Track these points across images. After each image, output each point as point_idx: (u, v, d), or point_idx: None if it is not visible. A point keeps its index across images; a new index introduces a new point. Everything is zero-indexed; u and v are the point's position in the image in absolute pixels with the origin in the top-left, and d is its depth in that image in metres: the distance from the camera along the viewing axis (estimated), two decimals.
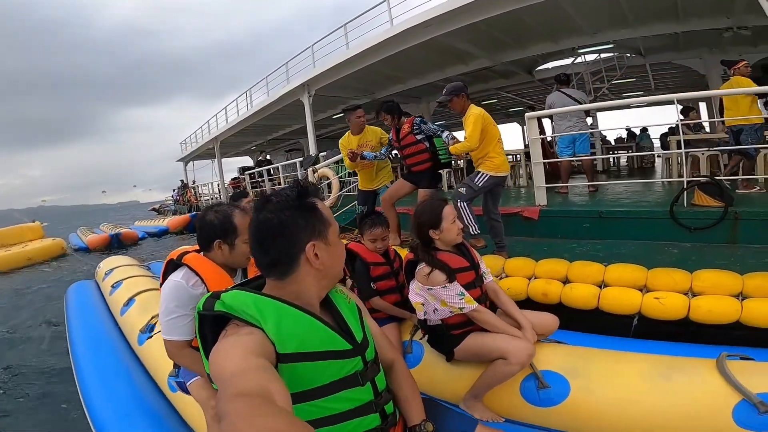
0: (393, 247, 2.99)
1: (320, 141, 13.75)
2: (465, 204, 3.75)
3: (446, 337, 2.21)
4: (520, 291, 3.28)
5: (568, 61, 11.58)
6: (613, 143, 13.34)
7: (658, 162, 11.45)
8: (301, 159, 9.93)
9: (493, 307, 2.31)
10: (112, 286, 4.42)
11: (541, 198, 5.02)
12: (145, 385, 2.74)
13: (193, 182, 24.47)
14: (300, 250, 1.11)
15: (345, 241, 3.50)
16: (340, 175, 8.17)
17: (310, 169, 7.61)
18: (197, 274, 1.79)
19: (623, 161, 12.30)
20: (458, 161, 7.85)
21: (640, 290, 2.92)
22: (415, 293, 2.22)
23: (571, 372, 1.98)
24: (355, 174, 4.17)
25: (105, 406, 2.55)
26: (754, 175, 5.09)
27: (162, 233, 15.27)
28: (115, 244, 13.03)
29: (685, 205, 4.16)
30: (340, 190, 7.79)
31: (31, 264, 11.37)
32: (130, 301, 3.81)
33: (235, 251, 1.85)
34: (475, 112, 3.75)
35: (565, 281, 3.23)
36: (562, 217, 4.79)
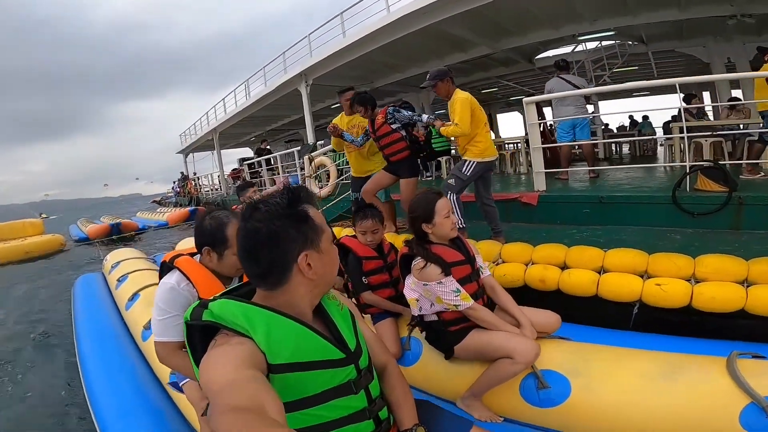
0: (389, 236, 2.92)
1: (319, 131, 13.68)
2: (454, 197, 3.68)
3: (444, 334, 2.16)
4: (517, 277, 3.20)
5: (568, 48, 11.45)
6: (615, 131, 13.23)
7: (660, 151, 11.36)
8: (299, 148, 9.84)
9: (492, 303, 2.26)
10: (118, 280, 4.41)
11: (540, 183, 4.94)
12: (148, 381, 2.72)
13: (194, 174, 24.51)
14: (292, 260, 1.06)
15: (345, 232, 3.45)
16: (337, 162, 8.08)
17: (306, 157, 7.51)
18: (188, 278, 1.77)
19: (625, 149, 12.19)
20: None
21: (641, 276, 2.82)
22: (410, 289, 2.17)
23: (573, 371, 1.93)
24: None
25: (108, 402, 2.54)
26: (759, 160, 4.99)
27: (161, 227, 15.31)
28: (116, 234, 13.06)
29: (688, 190, 4.07)
30: (338, 178, 7.72)
31: (29, 258, 11.46)
32: (135, 296, 3.79)
33: (223, 261, 1.79)
34: (461, 96, 3.67)
35: (564, 267, 3.14)
36: (562, 203, 4.71)
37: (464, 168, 3.75)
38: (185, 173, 24.67)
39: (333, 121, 4.57)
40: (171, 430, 2.19)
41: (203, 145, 22.27)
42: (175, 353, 1.74)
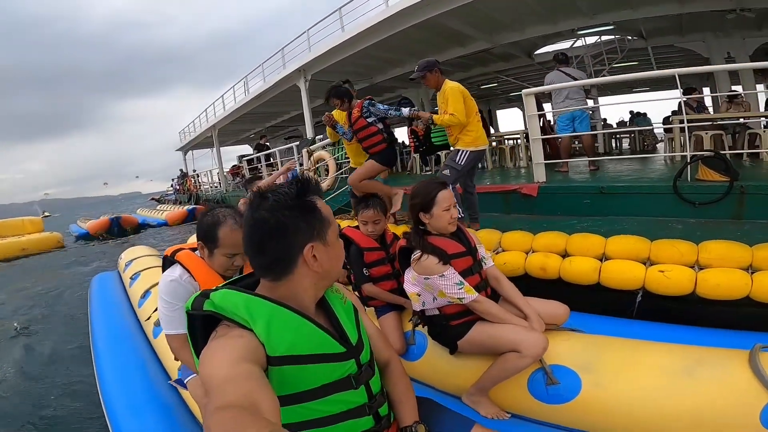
0: (390, 227, 2.89)
1: (318, 127, 13.65)
2: (452, 187, 3.67)
3: (447, 328, 2.10)
4: (517, 266, 3.18)
5: (568, 43, 11.41)
6: (615, 126, 13.25)
7: (660, 146, 11.35)
8: (297, 143, 9.81)
9: (496, 295, 2.20)
10: (131, 278, 4.44)
11: (540, 175, 4.90)
12: (158, 378, 2.72)
13: (194, 171, 24.51)
14: (298, 252, 1.06)
15: (345, 224, 3.43)
16: (336, 156, 8.07)
17: (305, 151, 7.49)
18: (189, 271, 1.78)
19: (625, 144, 12.20)
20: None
21: (644, 263, 2.80)
22: (411, 283, 2.11)
23: (583, 366, 1.87)
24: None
25: (119, 397, 2.56)
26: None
27: (160, 226, 15.32)
28: (116, 229, 13.08)
29: (689, 179, 4.04)
30: (337, 171, 7.70)
31: (26, 255, 11.47)
32: (146, 293, 3.80)
33: (212, 260, 1.79)
34: (452, 85, 3.68)
35: (565, 255, 3.12)
36: (562, 194, 4.68)
37: (458, 158, 3.75)
38: (185, 170, 24.66)
39: (333, 113, 4.57)
40: (179, 425, 2.19)
41: (203, 142, 22.30)
42: (184, 346, 1.74)
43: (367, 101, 3.94)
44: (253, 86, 14.90)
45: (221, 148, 19.97)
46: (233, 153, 25.08)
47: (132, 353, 3.08)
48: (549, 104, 7.98)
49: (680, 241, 2.81)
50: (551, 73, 6.24)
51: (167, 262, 1.89)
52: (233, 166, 19.69)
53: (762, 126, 6.38)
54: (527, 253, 3.25)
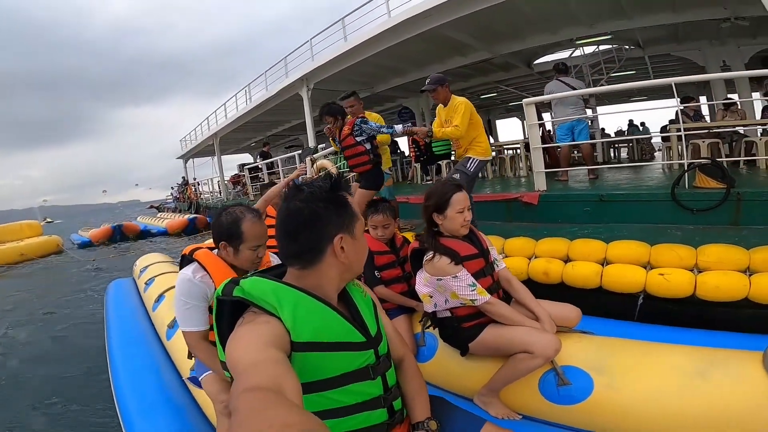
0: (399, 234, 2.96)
1: (320, 136, 13.73)
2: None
3: (458, 330, 2.10)
4: (520, 271, 3.26)
5: (566, 53, 11.53)
6: (613, 136, 13.37)
7: (658, 156, 11.46)
8: (299, 152, 9.89)
9: (507, 296, 2.21)
10: (146, 283, 4.53)
11: (540, 183, 4.99)
12: (171, 379, 2.79)
13: (194, 179, 24.43)
14: (328, 242, 1.12)
15: None
16: (338, 165, 8.14)
17: (308, 159, 7.58)
18: (206, 269, 1.82)
19: (623, 154, 12.31)
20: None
21: (644, 267, 2.88)
22: (423, 284, 2.11)
23: (595, 367, 1.87)
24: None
25: (132, 398, 2.62)
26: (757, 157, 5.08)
27: (160, 234, 15.25)
28: (118, 236, 13.08)
29: (687, 187, 4.13)
30: None
31: (24, 260, 11.45)
32: (160, 297, 3.88)
33: (239, 256, 1.84)
34: (462, 100, 3.85)
35: (567, 260, 3.20)
36: (563, 202, 4.76)
37: (468, 164, 3.90)
38: (186, 178, 24.57)
39: None
40: (190, 425, 2.24)
41: (203, 150, 22.23)
42: (199, 342, 1.81)
43: (360, 119, 3.97)
44: (256, 95, 14.98)
45: (222, 157, 19.99)
46: (234, 162, 25.07)
47: (145, 355, 3.15)
48: (548, 114, 8.09)
49: (679, 246, 2.90)
50: (551, 83, 6.34)
51: (185, 261, 1.93)
52: (234, 174, 19.69)
53: (758, 134, 6.48)
54: (530, 259, 3.34)
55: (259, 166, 13.05)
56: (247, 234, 1.82)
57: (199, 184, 22.67)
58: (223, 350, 1.04)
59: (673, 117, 8.18)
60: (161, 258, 5.65)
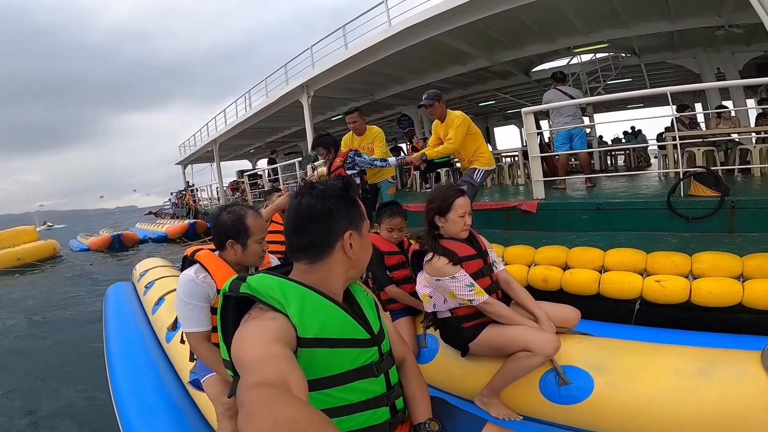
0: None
1: None
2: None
3: (458, 330, 2.14)
4: (520, 278, 3.31)
5: (564, 61, 11.65)
6: (610, 143, 13.50)
7: (655, 163, 11.58)
8: (299, 159, 9.95)
9: (507, 298, 2.24)
10: (146, 287, 4.56)
11: (539, 192, 5.06)
12: (170, 381, 2.80)
13: (192, 184, 24.35)
14: (338, 237, 1.15)
15: None
16: None
17: (309, 167, 7.64)
18: (207, 270, 1.86)
19: (620, 161, 12.42)
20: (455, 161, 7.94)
21: (641, 274, 2.96)
22: (423, 285, 2.17)
23: (596, 367, 1.88)
24: None
25: (131, 400, 2.63)
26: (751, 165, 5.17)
27: (161, 239, 15.27)
28: (117, 245, 13.08)
29: (682, 195, 4.20)
30: None
31: (22, 264, 11.46)
32: (160, 300, 3.90)
33: (247, 251, 1.89)
34: (459, 114, 3.92)
35: (565, 267, 3.28)
36: (561, 210, 4.83)
37: (474, 175, 4.00)
38: (190, 183, 24.42)
39: (343, 139, 4.68)
40: (189, 428, 2.24)
41: (202, 156, 22.18)
42: (202, 343, 1.84)
43: (353, 152, 4.01)
44: (256, 101, 15.01)
45: (221, 163, 20.00)
46: (232, 168, 25.04)
47: (145, 358, 3.16)
48: (545, 122, 8.16)
49: (675, 253, 2.98)
50: (549, 92, 6.43)
51: (186, 262, 1.96)
52: (232, 181, 19.70)
53: (753, 142, 6.57)
54: (529, 266, 3.42)
55: (259, 173, 13.11)
56: (253, 228, 1.88)
57: (197, 190, 22.56)
58: (226, 348, 1.06)
59: (669, 124, 8.29)
60: (161, 262, 5.70)
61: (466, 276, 2.02)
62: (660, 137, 9.76)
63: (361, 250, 1.21)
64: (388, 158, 4.10)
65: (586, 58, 11.48)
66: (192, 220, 16.51)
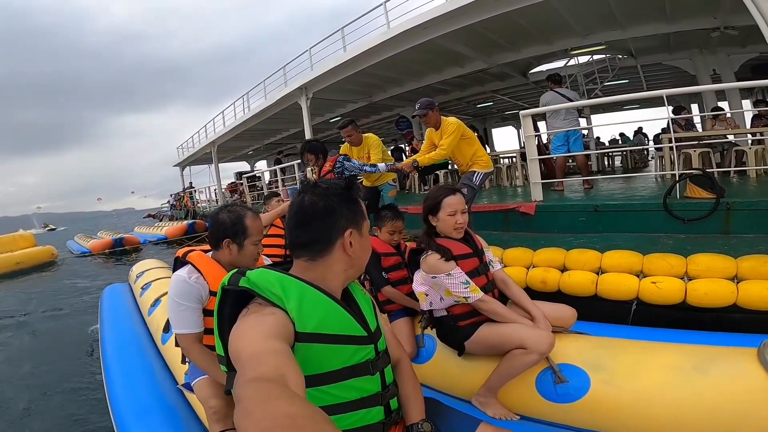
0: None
1: None
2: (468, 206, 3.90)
3: (454, 329, 2.15)
4: (518, 280, 3.35)
5: (561, 63, 11.71)
6: (607, 144, 13.59)
7: (652, 164, 11.65)
8: (299, 161, 9.99)
9: (504, 298, 2.25)
10: (142, 288, 4.56)
11: (537, 194, 5.11)
12: (165, 382, 2.80)
13: (190, 183, 24.35)
14: (338, 235, 1.16)
15: None
16: None
17: (308, 169, 7.69)
18: (200, 271, 1.85)
19: (617, 162, 12.49)
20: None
21: (637, 276, 3.01)
22: (419, 283, 2.19)
23: (592, 365, 1.89)
24: None
25: (126, 401, 2.63)
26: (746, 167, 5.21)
27: (160, 241, 15.22)
28: (118, 249, 13.10)
29: (678, 197, 4.24)
30: None
31: (21, 269, 11.49)
32: (156, 302, 3.90)
33: (243, 252, 1.89)
34: (453, 122, 3.93)
35: (563, 269, 3.33)
36: (559, 212, 4.87)
37: (474, 178, 4.04)
38: (192, 183, 24.37)
39: (341, 150, 4.71)
40: (184, 429, 2.25)
41: (201, 158, 22.17)
42: (192, 345, 1.83)
43: (342, 156, 4.00)
44: (254, 103, 15.02)
45: (219, 164, 20.00)
46: (231, 170, 25.04)
47: (140, 359, 3.17)
48: (542, 122, 8.21)
49: (670, 255, 3.03)
50: (547, 94, 6.46)
51: (178, 263, 1.94)
52: (231, 183, 19.74)
53: (748, 143, 6.63)
54: (528, 268, 3.46)
55: (257, 175, 13.13)
56: (251, 229, 1.88)
57: (195, 191, 22.60)
58: (222, 343, 1.07)
59: (665, 126, 8.36)
60: (158, 264, 5.72)
61: (462, 273, 2.04)
62: (657, 138, 9.83)
63: (361, 249, 1.22)
64: (378, 164, 4.09)
65: (583, 59, 11.55)
66: (191, 221, 16.51)
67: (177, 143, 26.07)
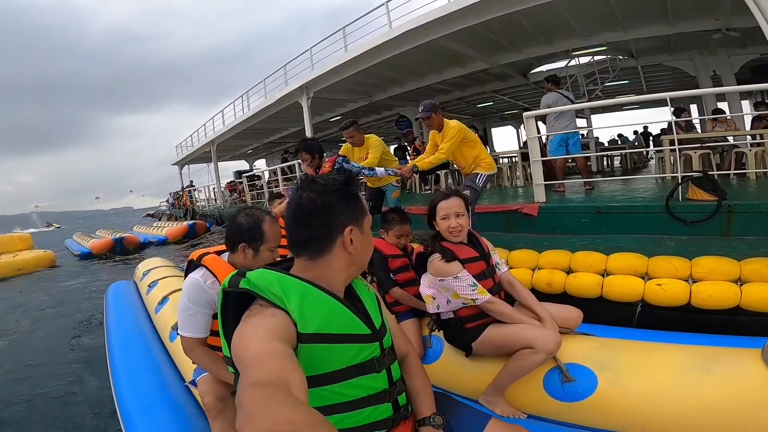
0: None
1: None
2: (471, 208, 3.91)
3: (461, 331, 2.16)
4: (524, 282, 3.36)
5: (562, 63, 11.74)
6: (606, 145, 13.64)
7: (651, 164, 11.69)
8: (298, 161, 9.99)
9: (510, 299, 2.25)
10: (149, 286, 4.55)
11: (540, 195, 5.12)
12: (172, 379, 2.80)
13: (190, 181, 24.32)
14: (338, 232, 1.13)
15: None
16: None
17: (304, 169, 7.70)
18: (215, 275, 1.84)
19: (617, 163, 12.53)
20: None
21: (642, 278, 3.04)
22: (426, 286, 2.19)
23: (599, 365, 1.90)
24: None
25: (132, 398, 2.62)
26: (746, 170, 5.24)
27: (161, 243, 15.08)
28: (119, 249, 13.07)
29: (680, 199, 4.26)
30: None
31: (21, 274, 11.41)
32: (164, 300, 3.89)
33: (258, 257, 1.87)
34: (455, 125, 3.97)
35: (569, 271, 3.35)
36: (561, 213, 4.88)
37: (477, 180, 4.07)
38: (192, 182, 24.33)
39: (341, 151, 4.72)
40: (190, 425, 2.25)
41: (199, 157, 22.15)
42: (195, 348, 1.85)
43: (341, 158, 3.99)
44: (254, 102, 15.00)
45: (218, 163, 19.98)
46: (228, 168, 25.01)
47: (146, 357, 3.16)
48: (540, 122, 8.22)
49: (675, 257, 3.06)
50: (550, 96, 6.45)
51: (192, 266, 1.92)
52: (230, 182, 19.72)
53: (748, 145, 6.67)
54: (533, 270, 3.49)
55: (257, 174, 13.11)
56: (268, 234, 1.87)
57: (193, 190, 22.54)
58: (227, 345, 1.05)
59: (665, 126, 8.38)
60: (164, 263, 5.74)
61: (469, 276, 2.05)
62: (657, 139, 9.88)
63: (362, 247, 1.19)
64: (377, 169, 4.11)
65: (584, 60, 11.58)
66: (191, 221, 16.43)
67: (175, 142, 25.94)
